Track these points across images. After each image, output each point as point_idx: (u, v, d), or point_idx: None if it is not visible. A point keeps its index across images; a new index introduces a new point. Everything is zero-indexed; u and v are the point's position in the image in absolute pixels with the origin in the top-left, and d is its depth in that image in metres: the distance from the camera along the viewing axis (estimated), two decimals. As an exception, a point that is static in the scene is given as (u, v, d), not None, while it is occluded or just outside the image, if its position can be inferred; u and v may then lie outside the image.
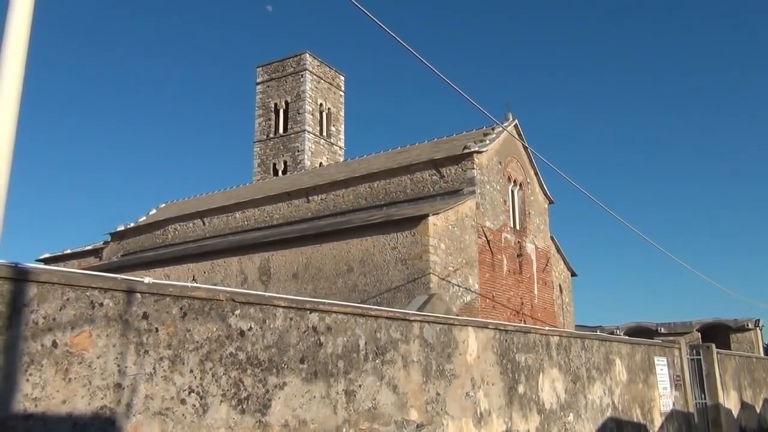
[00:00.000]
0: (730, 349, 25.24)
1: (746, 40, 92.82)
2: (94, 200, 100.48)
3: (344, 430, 5.22)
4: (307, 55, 38.72)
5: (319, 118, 38.90)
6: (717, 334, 28.73)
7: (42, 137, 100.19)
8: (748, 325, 29.84)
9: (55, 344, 3.44)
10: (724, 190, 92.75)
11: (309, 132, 37.58)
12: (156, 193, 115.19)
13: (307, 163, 36.58)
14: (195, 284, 4.36)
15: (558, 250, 25.95)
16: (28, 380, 3.31)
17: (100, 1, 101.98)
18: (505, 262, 21.72)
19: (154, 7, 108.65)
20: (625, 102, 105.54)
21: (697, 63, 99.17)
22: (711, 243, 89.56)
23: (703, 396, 14.63)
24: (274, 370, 4.68)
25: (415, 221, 18.33)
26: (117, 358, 3.72)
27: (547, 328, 10.30)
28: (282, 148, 37.90)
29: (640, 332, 28.49)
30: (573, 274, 26.90)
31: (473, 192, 20.60)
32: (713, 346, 15.30)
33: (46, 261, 31.47)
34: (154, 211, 32.54)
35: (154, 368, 3.90)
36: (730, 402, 16.37)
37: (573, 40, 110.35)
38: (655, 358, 13.03)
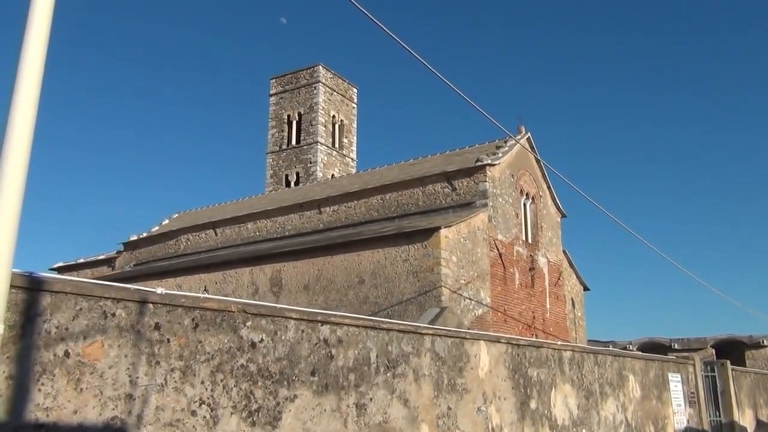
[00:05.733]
0: (745, 366, 24.93)
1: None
2: (108, 210, 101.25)
3: (355, 443, 5.18)
4: (321, 67, 38.95)
5: (331, 129, 39.06)
6: (732, 350, 28.42)
7: (56, 146, 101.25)
8: (763, 342, 29.51)
9: (67, 354, 3.44)
10: (740, 204, 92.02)
11: (321, 144, 37.72)
12: (169, 203, 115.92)
13: (320, 174, 36.69)
14: (207, 295, 4.36)
15: (570, 264, 25.80)
16: (40, 390, 3.31)
17: (117, 11, 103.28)
18: (517, 275, 21.61)
19: (169, 18, 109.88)
20: (639, 115, 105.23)
21: (720, 74, 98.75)
22: (726, 258, 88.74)
23: (717, 414, 14.44)
24: (285, 383, 4.66)
25: (427, 234, 18.29)
26: (128, 368, 3.71)
27: (559, 342, 10.22)
28: (294, 159, 38.05)
29: (654, 348, 28.24)
30: (585, 289, 26.72)
31: (485, 205, 20.56)
32: (728, 362, 15.12)
33: (59, 270, 31.68)
34: (166, 221, 32.71)
35: (165, 379, 3.89)
36: (746, 420, 16.14)
37: (587, 53, 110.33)
38: (669, 375, 12.88)
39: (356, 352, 5.38)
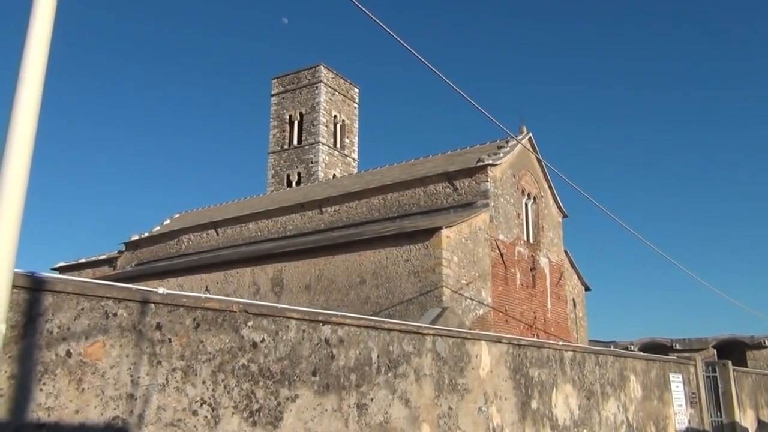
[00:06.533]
0: (746, 367, 24.90)
1: None
2: (109, 210, 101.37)
3: (356, 443, 5.19)
4: (322, 67, 38.96)
5: (333, 129, 39.07)
6: (733, 351, 28.40)
7: (58, 146, 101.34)
8: (765, 342, 29.48)
9: (69, 354, 3.44)
10: (742, 204, 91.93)
11: (323, 144, 37.73)
12: (170, 203, 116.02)
13: (321, 174, 36.70)
14: (208, 295, 4.36)
15: (572, 264, 25.79)
16: (41, 390, 3.31)
17: (118, 11, 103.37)
18: (518, 275, 21.60)
19: (170, 18, 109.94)
20: (641, 115, 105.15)
21: (721, 74, 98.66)
22: (728, 258, 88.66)
23: (719, 414, 14.43)
24: (286, 383, 4.66)
25: (429, 234, 18.29)
26: (130, 368, 3.72)
27: (560, 343, 10.21)
28: (296, 159, 38.06)
29: (655, 348, 28.22)
30: (587, 289, 26.71)
31: (487, 205, 20.55)
32: (729, 363, 15.11)
33: (61, 270, 31.71)
34: (168, 221, 32.73)
35: (166, 379, 3.90)
36: (747, 420, 16.12)
37: (589, 53, 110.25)
38: (671, 375, 12.87)
39: (357, 352, 5.38)
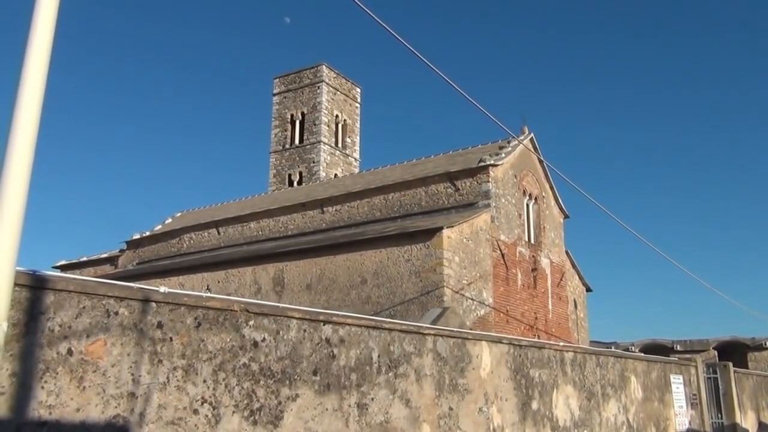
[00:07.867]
0: (747, 368, 24.89)
1: None
2: (110, 208, 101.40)
3: (356, 443, 5.19)
4: (324, 67, 38.95)
5: (334, 129, 39.05)
6: (734, 352, 28.39)
7: (60, 144, 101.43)
8: (766, 344, 29.46)
9: (70, 352, 3.45)
10: (743, 205, 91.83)
11: (324, 143, 37.72)
12: (172, 202, 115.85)
13: (323, 174, 36.68)
14: (209, 294, 4.37)
15: (573, 265, 25.77)
16: (43, 387, 3.32)
17: (120, 9, 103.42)
18: (519, 276, 21.59)
19: (172, 17, 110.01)
20: (642, 116, 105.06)
21: (722, 75, 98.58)
22: (729, 259, 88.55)
23: (719, 415, 14.41)
24: (287, 382, 4.67)
25: (430, 234, 18.29)
26: (131, 367, 3.72)
27: (561, 343, 10.21)
28: (297, 158, 38.05)
29: (656, 349, 28.20)
30: (588, 290, 26.69)
31: (488, 205, 20.54)
32: (730, 364, 15.09)
33: (62, 268, 31.74)
34: (169, 219, 32.75)
35: (167, 378, 3.90)
36: (748, 422, 16.11)
37: (591, 53, 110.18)
38: (671, 376, 12.87)
39: (358, 351, 5.39)
